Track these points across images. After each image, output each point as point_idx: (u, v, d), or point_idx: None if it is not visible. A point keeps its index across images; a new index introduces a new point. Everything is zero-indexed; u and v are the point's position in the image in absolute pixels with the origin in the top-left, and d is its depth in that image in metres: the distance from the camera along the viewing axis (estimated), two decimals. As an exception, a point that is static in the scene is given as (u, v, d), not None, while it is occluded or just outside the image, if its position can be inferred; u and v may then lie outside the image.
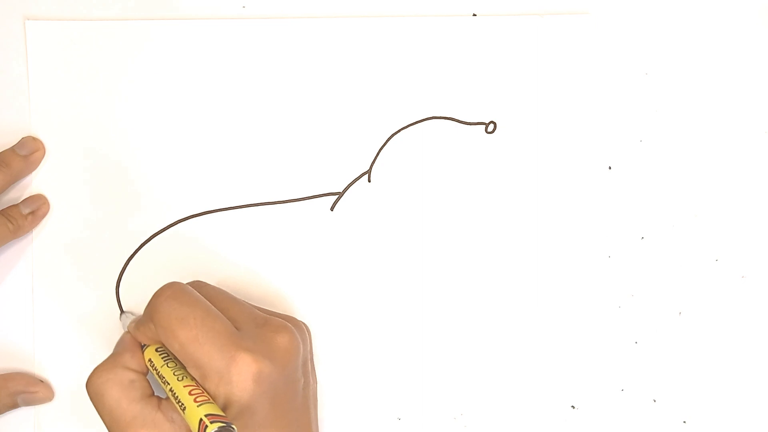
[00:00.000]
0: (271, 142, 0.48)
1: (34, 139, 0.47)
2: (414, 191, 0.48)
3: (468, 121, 0.48)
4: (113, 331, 0.47)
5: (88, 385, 0.40)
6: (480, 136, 0.49)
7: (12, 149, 0.46)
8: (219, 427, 0.35)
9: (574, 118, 0.49)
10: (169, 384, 0.39)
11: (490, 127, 0.48)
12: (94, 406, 0.40)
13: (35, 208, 0.47)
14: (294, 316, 0.46)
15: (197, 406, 0.37)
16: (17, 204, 0.47)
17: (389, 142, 0.48)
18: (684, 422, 0.49)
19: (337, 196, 0.48)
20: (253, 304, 0.44)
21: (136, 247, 0.48)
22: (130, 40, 0.48)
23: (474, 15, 0.49)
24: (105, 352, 0.47)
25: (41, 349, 0.47)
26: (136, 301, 0.47)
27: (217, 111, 0.48)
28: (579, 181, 0.49)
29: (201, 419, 0.36)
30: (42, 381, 0.47)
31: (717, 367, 0.49)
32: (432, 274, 0.48)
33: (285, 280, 0.48)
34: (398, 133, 0.48)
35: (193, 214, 0.48)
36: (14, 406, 0.46)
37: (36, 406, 0.47)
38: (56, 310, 0.47)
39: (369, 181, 0.48)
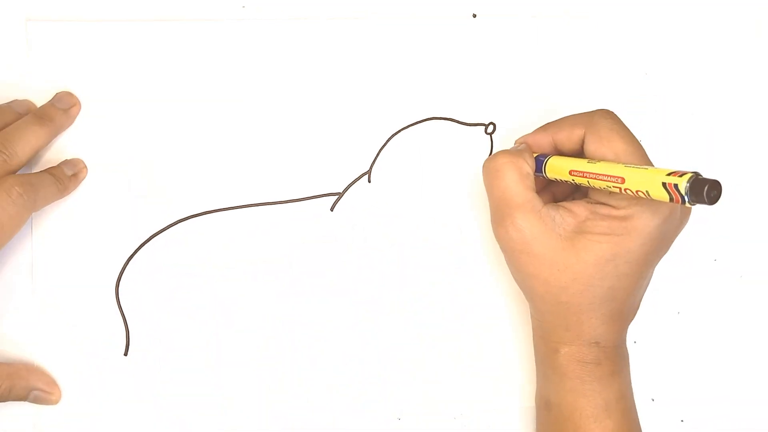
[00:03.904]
0: (272, 142, 0.48)
1: (69, 93, 0.47)
2: (414, 192, 0.48)
3: (468, 121, 0.48)
4: (113, 331, 0.47)
5: (491, 161, 0.43)
6: (480, 137, 0.49)
7: (51, 103, 0.47)
8: (693, 174, 0.35)
9: (573, 118, 0.49)
10: (600, 172, 0.40)
11: (490, 128, 0.49)
12: (487, 181, 0.43)
13: (77, 171, 0.47)
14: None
15: (656, 170, 0.37)
16: (59, 165, 0.47)
17: (389, 143, 0.48)
18: (682, 421, 0.49)
19: (337, 197, 0.48)
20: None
21: (136, 247, 0.48)
22: (131, 41, 0.48)
23: (474, 16, 0.49)
24: (105, 352, 0.47)
25: (41, 348, 0.47)
26: (136, 301, 0.48)
27: (218, 111, 0.48)
28: (578, 181, 0.49)
29: (669, 174, 0.36)
30: (57, 384, 0.47)
31: (715, 367, 0.49)
32: (432, 274, 0.48)
33: (285, 280, 0.48)
34: (398, 134, 0.48)
35: (193, 214, 0.48)
36: (22, 399, 0.46)
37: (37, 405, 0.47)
38: (56, 310, 0.47)
39: (369, 181, 0.48)
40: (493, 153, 0.43)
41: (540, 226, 0.41)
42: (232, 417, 0.48)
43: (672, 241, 0.42)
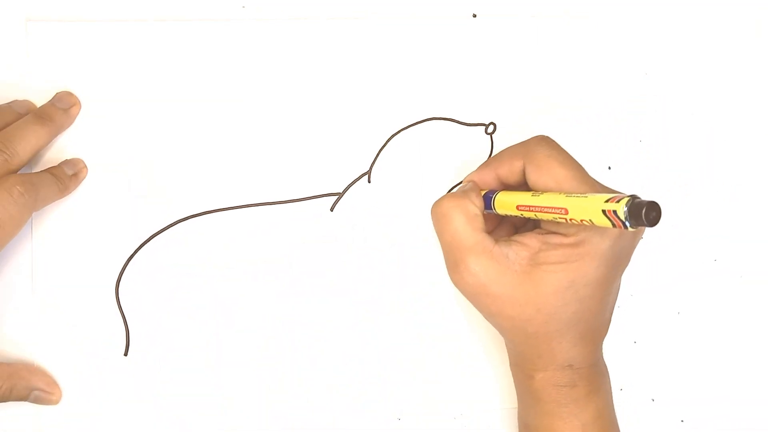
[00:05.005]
0: (272, 142, 0.48)
1: (69, 93, 0.47)
2: (414, 192, 0.48)
3: (468, 122, 0.48)
4: (113, 331, 0.47)
5: (437, 206, 0.43)
6: (480, 137, 0.49)
7: (51, 103, 0.47)
8: (629, 198, 0.34)
9: (573, 118, 0.49)
10: (544, 205, 0.39)
11: (490, 128, 0.49)
12: (436, 227, 0.43)
13: (77, 171, 0.47)
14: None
15: (594, 198, 0.36)
16: (60, 164, 0.47)
17: (389, 143, 0.48)
18: (682, 421, 0.49)
19: (337, 197, 0.48)
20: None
21: (136, 247, 0.48)
22: (131, 42, 0.48)
23: (474, 16, 0.49)
24: (105, 352, 0.47)
25: (41, 348, 0.47)
26: (137, 301, 0.48)
27: (218, 112, 0.48)
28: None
29: (606, 201, 0.35)
30: (57, 384, 0.47)
31: (715, 367, 0.49)
32: (432, 274, 0.48)
33: (285, 280, 0.48)
34: (398, 134, 0.48)
35: (193, 214, 0.48)
36: (23, 399, 0.46)
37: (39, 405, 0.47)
38: (56, 309, 0.47)
39: (369, 181, 0.48)
40: (446, 195, 0.43)
41: (494, 266, 0.41)
42: (232, 417, 0.48)
43: (630, 255, 0.42)
